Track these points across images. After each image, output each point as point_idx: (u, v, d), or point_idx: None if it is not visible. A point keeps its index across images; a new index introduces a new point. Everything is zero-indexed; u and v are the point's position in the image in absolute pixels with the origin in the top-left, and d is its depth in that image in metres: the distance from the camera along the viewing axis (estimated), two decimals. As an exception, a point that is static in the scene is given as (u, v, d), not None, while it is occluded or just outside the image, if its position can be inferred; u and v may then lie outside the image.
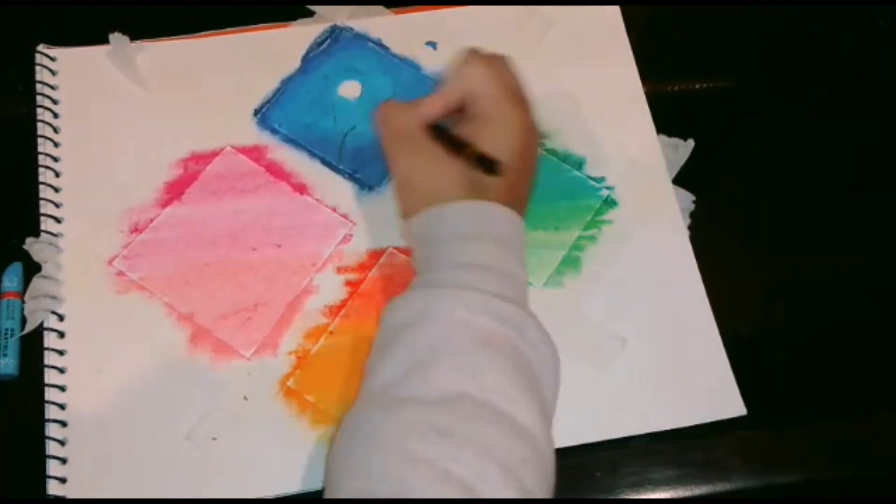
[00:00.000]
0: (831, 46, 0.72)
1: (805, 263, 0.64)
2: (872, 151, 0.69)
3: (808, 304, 0.63)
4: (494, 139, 0.55)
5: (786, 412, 0.59)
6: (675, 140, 0.65)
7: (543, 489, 0.45)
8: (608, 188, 0.64)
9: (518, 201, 0.55)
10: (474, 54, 0.58)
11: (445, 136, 0.56)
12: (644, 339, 0.60)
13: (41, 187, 0.61)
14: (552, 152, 0.65)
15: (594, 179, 0.64)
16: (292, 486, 0.54)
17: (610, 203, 0.63)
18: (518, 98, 0.57)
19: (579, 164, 0.64)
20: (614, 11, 0.70)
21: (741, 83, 0.70)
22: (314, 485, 0.54)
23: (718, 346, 0.60)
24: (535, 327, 0.49)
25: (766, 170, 0.67)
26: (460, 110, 0.58)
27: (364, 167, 0.63)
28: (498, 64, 0.58)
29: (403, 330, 0.49)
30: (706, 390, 0.59)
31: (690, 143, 0.65)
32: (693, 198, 0.64)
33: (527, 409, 0.46)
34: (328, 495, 0.47)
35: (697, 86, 0.69)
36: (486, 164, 0.53)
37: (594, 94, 0.67)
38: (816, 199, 0.66)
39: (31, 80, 0.64)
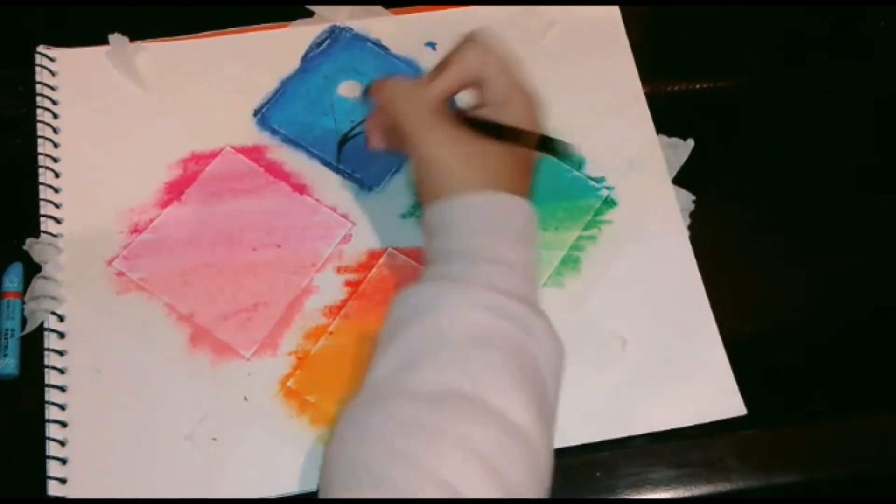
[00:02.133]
0: (830, 46, 0.72)
1: (805, 263, 0.64)
2: (872, 151, 0.69)
3: (808, 304, 0.63)
4: (519, 123, 0.53)
5: (786, 412, 0.59)
6: (675, 140, 0.65)
7: (533, 489, 0.45)
8: (608, 188, 0.64)
9: (529, 192, 0.54)
10: (486, 37, 0.55)
11: (480, 121, 0.54)
12: (644, 339, 0.60)
13: (41, 188, 0.61)
14: (552, 152, 0.65)
15: (594, 179, 0.64)
16: (292, 487, 0.54)
17: (610, 203, 0.63)
18: (530, 84, 0.55)
19: (579, 164, 0.64)
20: (614, 11, 0.70)
21: (740, 83, 0.70)
22: (314, 485, 0.54)
23: (718, 345, 0.60)
24: (541, 322, 0.48)
25: (766, 170, 0.67)
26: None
27: (364, 167, 0.63)
28: (497, 50, 0.56)
29: (405, 323, 0.48)
30: (706, 390, 0.59)
31: (690, 142, 0.65)
32: (693, 198, 0.64)
33: (522, 407, 0.45)
34: (321, 487, 0.46)
35: (697, 86, 0.69)
36: (552, 146, 0.52)
37: (594, 95, 0.67)
38: (816, 198, 0.66)
39: (30, 81, 0.64)
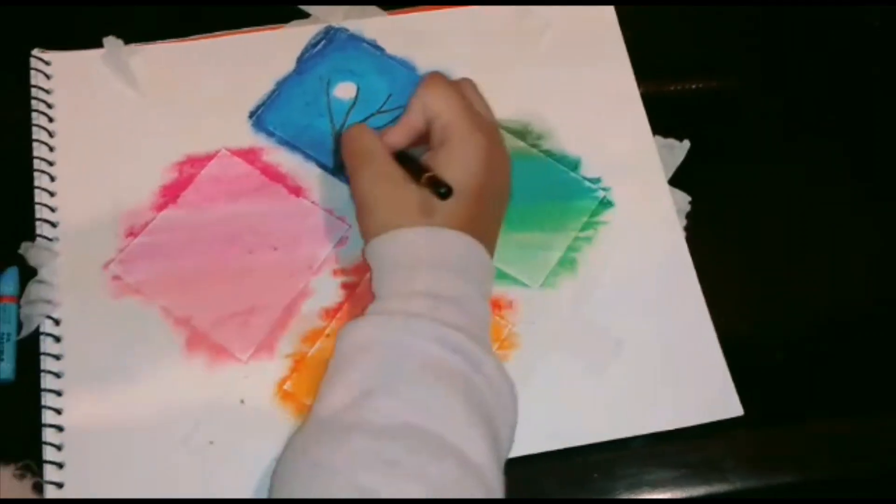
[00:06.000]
0: (827, 46, 0.72)
1: (803, 263, 0.64)
2: (870, 152, 0.69)
3: (806, 305, 0.63)
4: (451, 163, 0.54)
5: (783, 412, 0.59)
6: (671, 141, 0.65)
7: None
8: (604, 189, 0.64)
9: (482, 230, 0.54)
10: (433, 77, 0.57)
11: (408, 161, 0.56)
12: (640, 339, 0.59)
13: (36, 191, 0.61)
14: (548, 153, 0.65)
15: (590, 180, 0.64)
16: (289, 490, 0.54)
17: (606, 204, 0.63)
18: (478, 122, 0.56)
19: (575, 165, 0.64)
20: (609, 12, 0.70)
21: (737, 83, 0.70)
22: (311, 488, 0.54)
23: (715, 346, 0.60)
24: (489, 360, 0.49)
25: (763, 170, 0.67)
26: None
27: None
28: (458, 87, 0.57)
29: (355, 355, 0.49)
30: (703, 391, 0.59)
31: (686, 143, 0.65)
32: (689, 198, 0.64)
33: (477, 444, 0.46)
34: None
35: (693, 86, 0.69)
36: (438, 188, 0.52)
37: (590, 95, 0.67)
38: (813, 199, 0.66)
39: (25, 84, 0.64)
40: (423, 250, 0.52)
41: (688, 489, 0.57)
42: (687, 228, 0.63)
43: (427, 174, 0.53)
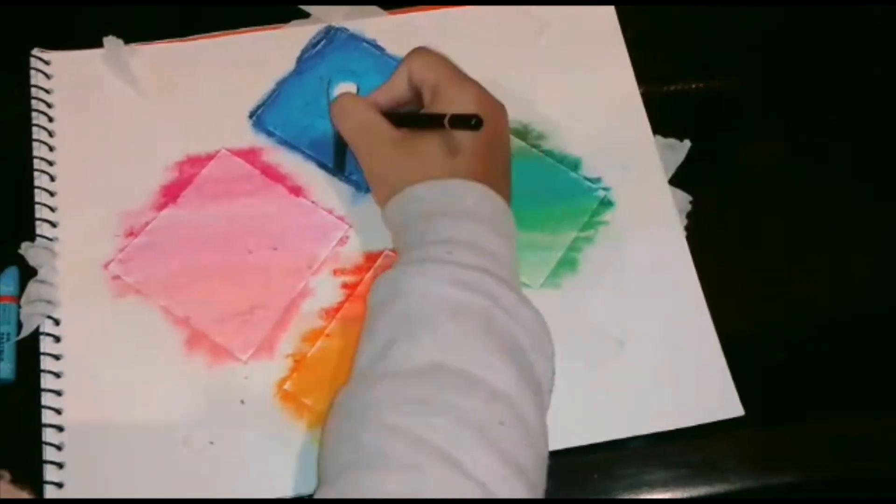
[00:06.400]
0: (828, 46, 0.72)
1: (803, 263, 0.64)
2: (871, 152, 0.69)
3: (807, 304, 0.63)
4: (451, 110, 0.55)
5: (784, 412, 0.59)
6: (672, 141, 0.65)
7: (526, 452, 0.45)
8: (604, 189, 0.64)
9: (489, 176, 0.55)
10: (418, 48, 0.59)
11: (416, 116, 0.57)
12: (641, 340, 0.59)
13: (36, 191, 0.60)
14: (548, 153, 0.65)
15: (590, 180, 0.64)
16: (288, 490, 0.54)
17: (606, 204, 0.63)
18: (466, 77, 0.58)
19: (575, 165, 0.64)
20: (609, 12, 0.70)
21: (737, 83, 0.70)
22: (310, 488, 0.54)
23: (715, 346, 0.59)
24: (508, 294, 0.49)
25: (763, 170, 0.67)
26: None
27: (360, 169, 0.63)
28: (440, 54, 0.59)
29: (379, 309, 0.50)
30: (703, 391, 0.59)
31: (687, 143, 0.65)
32: (690, 198, 0.64)
33: (501, 373, 0.46)
34: (319, 476, 0.48)
35: (693, 85, 0.69)
36: (467, 122, 0.53)
37: (590, 95, 0.67)
38: (814, 199, 0.66)
39: (25, 84, 0.64)
40: (435, 203, 0.53)
41: (688, 489, 0.57)
42: (687, 228, 0.63)
43: (448, 115, 0.53)
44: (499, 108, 0.57)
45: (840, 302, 0.63)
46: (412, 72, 0.58)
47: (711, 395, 0.58)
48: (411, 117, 0.58)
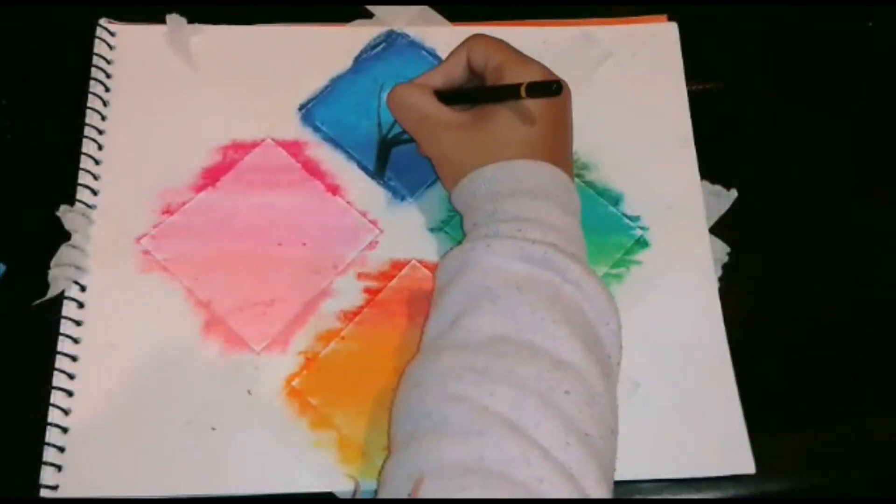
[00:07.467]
0: (828, 46, 0.70)
1: (804, 265, 0.63)
2: (872, 153, 0.68)
3: (807, 307, 0.62)
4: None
5: (783, 416, 0.59)
6: (718, 188, 0.64)
7: (591, 420, 0.45)
8: (642, 228, 0.63)
9: (558, 154, 0.56)
10: (476, 34, 0.59)
11: (481, 90, 0.57)
12: (658, 385, 0.58)
13: (82, 157, 0.62)
14: (590, 185, 0.64)
15: (629, 218, 0.63)
16: (280, 486, 0.54)
17: (642, 244, 0.62)
18: (527, 57, 0.57)
19: (616, 200, 0.63)
20: (671, 30, 0.68)
21: (736, 83, 0.69)
22: (304, 487, 0.54)
23: (734, 399, 0.58)
24: (575, 266, 0.50)
25: (764, 171, 0.65)
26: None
27: (400, 176, 0.63)
28: (500, 39, 0.59)
29: (445, 286, 0.52)
30: (716, 443, 0.57)
31: (733, 192, 0.63)
32: (728, 249, 0.62)
33: (567, 344, 0.47)
34: (389, 445, 0.50)
35: (693, 86, 0.67)
36: (548, 87, 0.53)
37: (642, 131, 0.65)
38: (815, 201, 0.65)
39: (89, 51, 0.65)
40: (504, 183, 0.54)
41: (687, 491, 0.56)
42: (721, 279, 0.61)
43: (526, 83, 0.53)
44: (564, 84, 0.57)
45: (842, 304, 0.62)
46: (473, 54, 0.58)
47: (724, 449, 0.57)
48: (481, 92, 0.58)
